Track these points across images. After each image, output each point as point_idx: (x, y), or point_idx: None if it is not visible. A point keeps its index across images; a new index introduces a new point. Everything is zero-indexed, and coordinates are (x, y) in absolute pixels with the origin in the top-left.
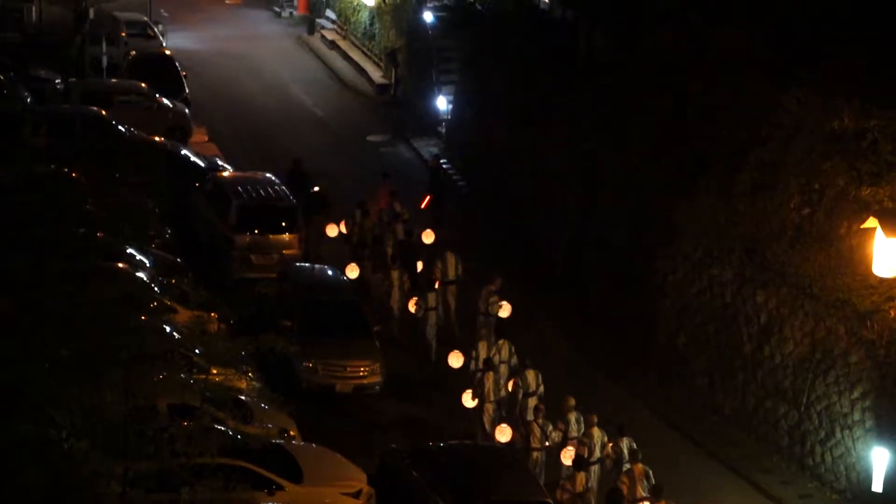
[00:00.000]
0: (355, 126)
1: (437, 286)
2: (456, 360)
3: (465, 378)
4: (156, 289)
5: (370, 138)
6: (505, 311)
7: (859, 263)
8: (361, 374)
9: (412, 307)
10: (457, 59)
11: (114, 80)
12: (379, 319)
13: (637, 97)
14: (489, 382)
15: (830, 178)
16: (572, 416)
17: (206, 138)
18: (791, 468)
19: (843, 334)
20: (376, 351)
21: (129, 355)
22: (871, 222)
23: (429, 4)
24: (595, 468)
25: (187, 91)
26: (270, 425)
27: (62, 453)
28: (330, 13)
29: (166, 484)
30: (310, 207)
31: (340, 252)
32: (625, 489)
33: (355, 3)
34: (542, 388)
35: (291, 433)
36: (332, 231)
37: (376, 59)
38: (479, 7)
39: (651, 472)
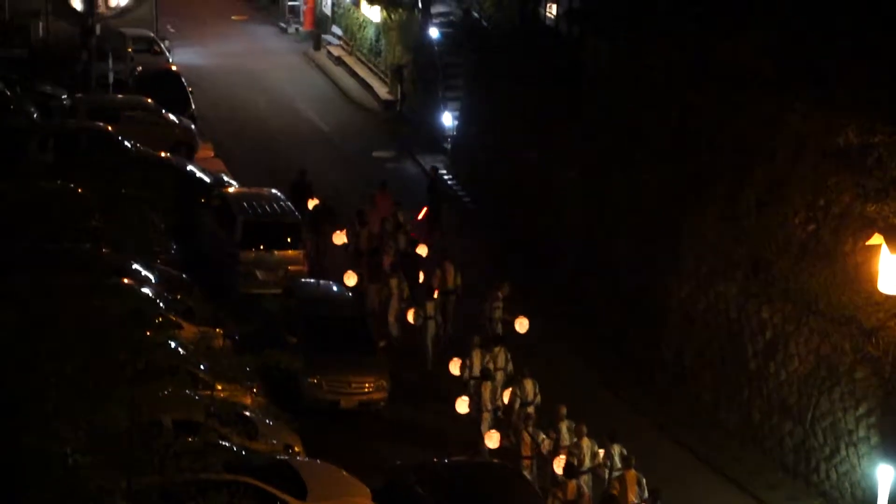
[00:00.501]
0: (361, 142)
1: (435, 295)
2: (455, 367)
3: (463, 386)
4: (161, 304)
5: (376, 154)
6: (522, 326)
7: (865, 280)
8: (366, 389)
9: (411, 317)
10: (462, 74)
11: (120, 96)
12: (381, 334)
13: (642, 113)
14: (486, 391)
15: (835, 195)
16: (564, 425)
17: (212, 154)
18: (796, 484)
19: (848, 351)
20: (381, 366)
21: (135, 371)
22: (877, 239)
23: (434, 21)
24: (586, 477)
25: (193, 107)
26: (275, 441)
27: (67, 468)
28: (336, 29)
29: (171, 500)
30: (317, 218)
31: (346, 263)
32: (615, 493)
33: (361, 20)
34: (538, 398)
35: (296, 449)
36: (338, 239)
37: (382, 75)
38: (485, 23)
39: (644, 479)
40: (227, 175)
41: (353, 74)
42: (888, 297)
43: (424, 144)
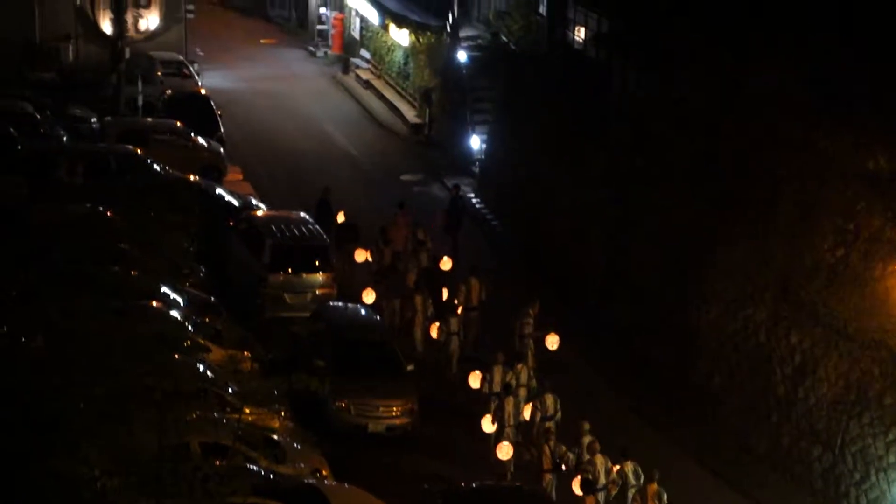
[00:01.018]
0: (389, 165)
1: (459, 311)
2: (476, 381)
3: (486, 402)
4: (189, 327)
5: (404, 177)
6: (553, 342)
7: (894, 305)
8: (394, 413)
9: (434, 332)
10: (490, 98)
11: (149, 119)
12: (410, 359)
13: (670, 136)
14: (509, 406)
15: (865, 219)
16: (586, 441)
17: (241, 177)
18: None
19: (877, 376)
20: (409, 390)
21: (162, 394)
22: None
23: (463, 44)
24: (602, 494)
25: (222, 130)
26: (303, 465)
27: (95, 491)
28: (364, 53)
29: None
30: (341, 237)
31: (370, 281)
32: None
33: (389, 43)
34: (559, 414)
35: (324, 473)
36: (360, 257)
37: (410, 99)
38: (513, 47)
39: (665, 494)
40: (255, 198)
41: (382, 97)
42: None
43: (452, 168)
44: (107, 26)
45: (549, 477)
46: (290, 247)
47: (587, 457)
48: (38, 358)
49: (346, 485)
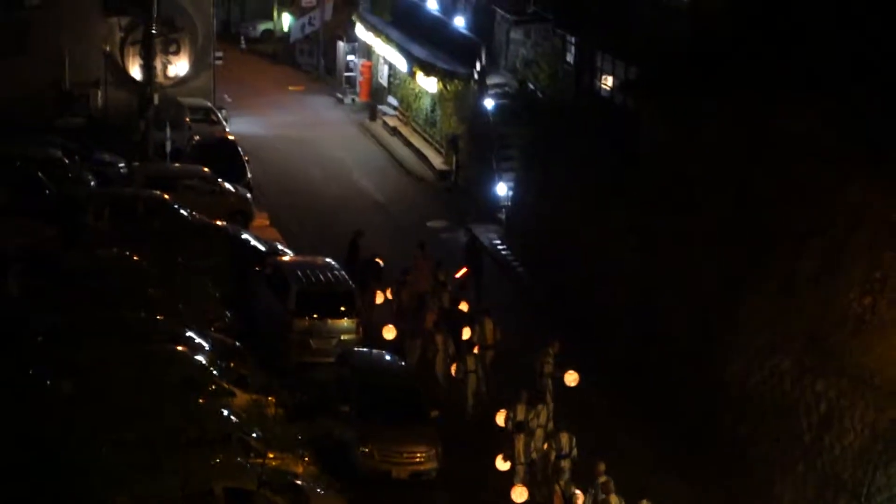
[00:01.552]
0: (415, 211)
1: (475, 350)
2: (501, 418)
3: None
4: (214, 372)
5: (430, 224)
6: (572, 379)
7: None
8: (418, 459)
9: (454, 371)
10: (517, 146)
11: (177, 165)
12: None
13: (698, 185)
14: (520, 444)
15: (893, 268)
16: (601, 480)
17: (268, 223)
18: None
19: None
20: (434, 436)
21: (187, 439)
22: None
23: (490, 92)
24: None
25: (250, 175)
26: None
27: None
28: (392, 100)
29: None
30: (365, 275)
31: (390, 320)
32: None
33: (417, 90)
34: (575, 452)
35: None
36: (379, 298)
37: (437, 146)
38: (540, 95)
39: None
40: (281, 244)
41: (409, 144)
42: None
43: (479, 215)
44: (136, 72)
45: None
46: (315, 292)
47: (602, 496)
48: (65, 403)
49: None
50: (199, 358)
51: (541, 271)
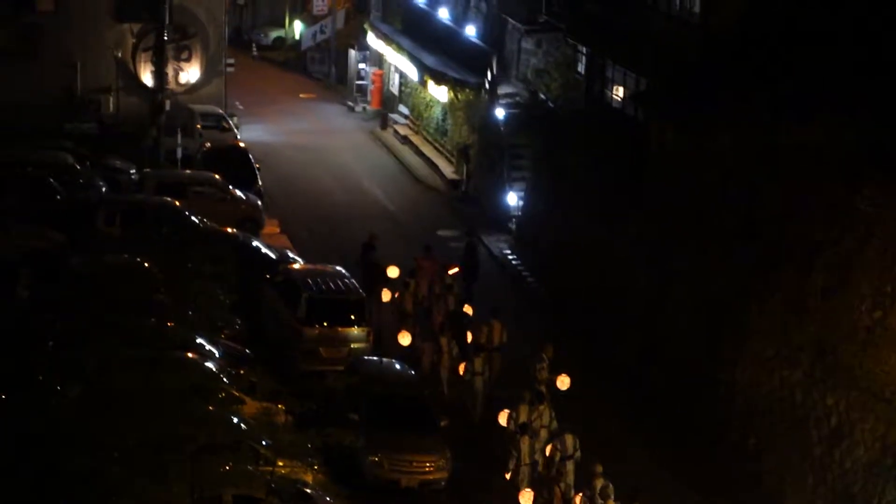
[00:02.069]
0: (426, 220)
1: (482, 351)
2: (503, 418)
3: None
4: (224, 379)
5: (440, 233)
6: (563, 383)
7: None
8: (427, 469)
9: (461, 372)
10: (528, 155)
11: (188, 171)
12: (443, 413)
13: (708, 195)
14: (524, 446)
15: None
16: (598, 483)
17: (278, 230)
18: None
19: None
20: (442, 446)
21: (196, 446)
22: None
23: (501, 101)
24: None
25: (260, 183)
26: None
27: None
28: (403, 108)
29: None
30: (371, 278)
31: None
32: None
33: (428, 99)
34: (578, 454)
35: None
36: (385, 296)
37: (448, 155)
38: (551, 105)
39: None
40: (292, 252)
41: (419, 153)
42: None
43: (489, 224)
44: (147, 78)
45: None
46: (325, 300)
47: (600, 501)
48: (73, 408)
49: None
50: (209, 365)
51: (551, 281)
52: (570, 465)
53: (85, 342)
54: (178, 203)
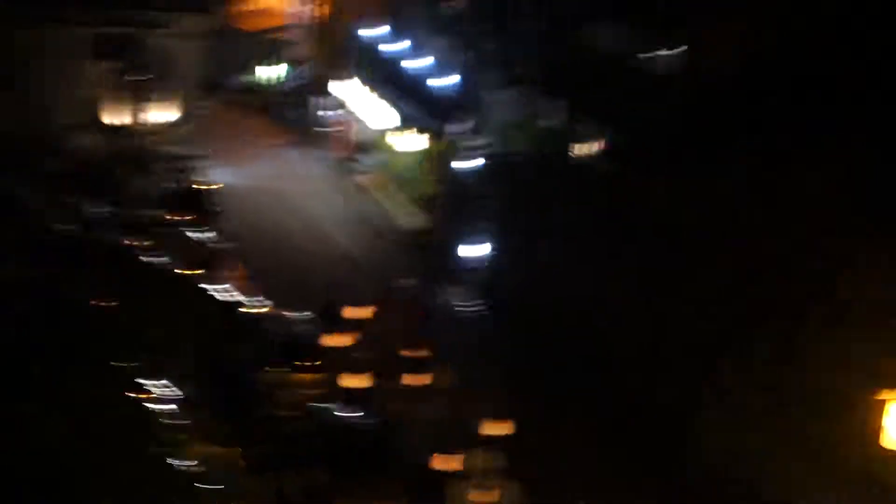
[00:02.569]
0: (390, 268)
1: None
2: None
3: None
4: (178, 423)
5: (403, 282)
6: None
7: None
8: None
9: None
10: (496, 207)
11: (154, 212)
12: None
13: (689, 247)
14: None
15: (853, 348)
16: None
17: (240, 273)
18: None
19: None
20: (401, 492)
21: (145, 489)
22: (887, 394)
23: (471, 152)
24: None
25: (225, 225)
26: None
27: None
28: (371, 156)
29: None
30: (326, 323)
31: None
32: None
33: (396, 148)
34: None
35: None
36: (345, 340)
37: (414, 204)
38: (522, 158)
39: None
40: (252, 295)
41: (385, 202)
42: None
43: (453, 275)
44: (120, 118)
45: None
46: (285, 345)
47: None
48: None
49: None
50: (162, 408)
51: (516, 331)
52: None
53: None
54: (141, 243)
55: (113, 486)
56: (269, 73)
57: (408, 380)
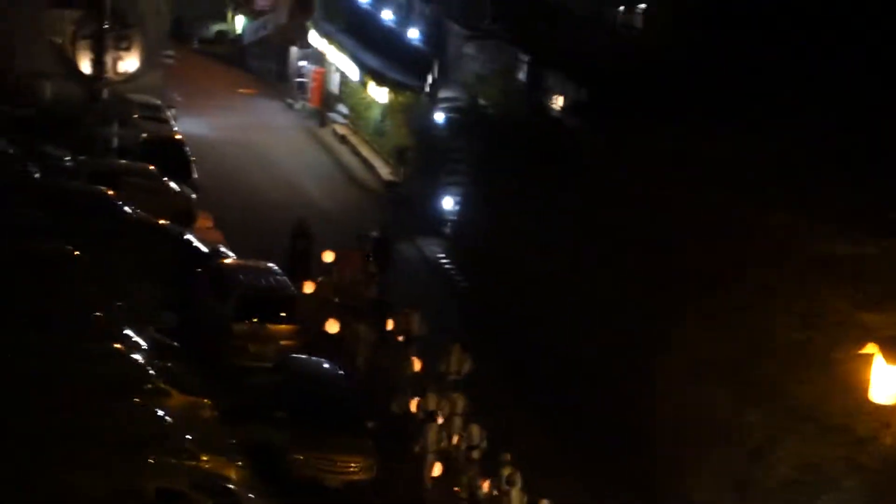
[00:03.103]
0: (360, 221)
1: (399, 340)
2: (413, 406)
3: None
4: (151, 371)
5: (373, 234)
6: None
7: (856, 389)
8: (351, 469)
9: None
10: (465, 160)
11: (122, 161)
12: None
13: (632, 207)
14: (431, 433)
15: (830, 303)
16: (506, 471)
17: (212, 224)
18: None
19: (838, 459)
20: (369, 447)
21: (117, 436)
22: (871, 348)
23: (440, 105)
24: None
25: (195, 176)
26: None
27: None
28: (342, 108)
29: None
30: (294, 264)
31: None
32: None
33: (368, 100)
34: (485, 443)
35: None
36: (308, 288)
37: (385, 156)
38: (490, 111)
39: None
40: (224, 246)
41: (357, 153)
42: (879, 407)
43: (423, 227)
44: (86, 66)
45: None
46: (256, 296)
47: (505, 487)
48: None
49: None
50: (135, 356)
51: (481, 285)
52: (475, 454)
53: (7, 330)
54: (110, 192)
55: (87, 433)
56: (239, 21)
57: (372, 328)
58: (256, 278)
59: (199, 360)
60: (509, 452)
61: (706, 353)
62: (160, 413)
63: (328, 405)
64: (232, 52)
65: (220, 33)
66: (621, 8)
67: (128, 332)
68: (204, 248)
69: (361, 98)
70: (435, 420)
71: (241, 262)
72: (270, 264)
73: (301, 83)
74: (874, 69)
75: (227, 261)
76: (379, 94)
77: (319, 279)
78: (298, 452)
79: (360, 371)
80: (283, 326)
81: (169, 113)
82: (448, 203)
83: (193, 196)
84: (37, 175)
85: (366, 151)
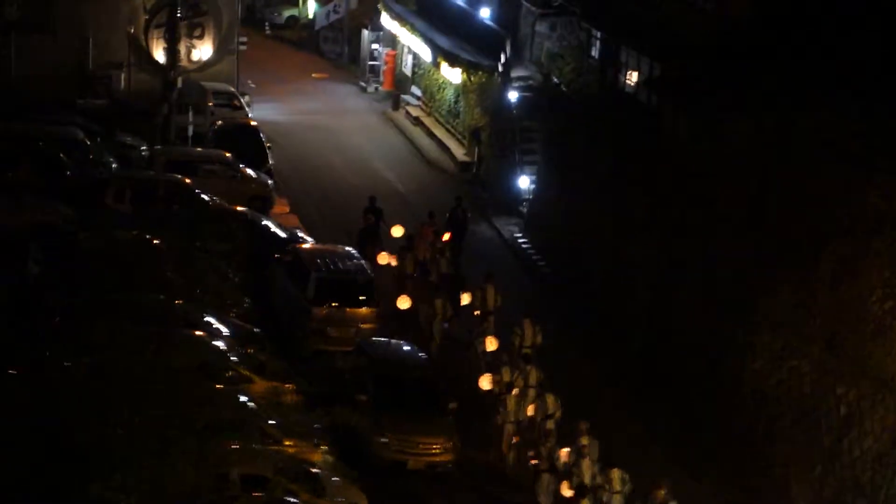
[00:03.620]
0: (436, 202)
1: (476, 314)
2: (487, 382)
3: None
4: (232, 358)
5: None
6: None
7: None
8: (434, 451)
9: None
10: (540, 139)
11: (199, 149)
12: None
13: (719, 182)
14: (510, 404)
15: None
16: (584, 441)
17: (288, 209)
18: None
19: None
20: (451, 428)
21: (203, 423)
22: None
23: (514, 84)
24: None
25: (271, 162)
26: (342, 500)
27: None
28: (415, 90)
29: None
30: (363, 240)
31: (392, 285)
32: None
33: (441, 81)
34: (559, 413)
35: None
36: (382, 260)
37: (460, 137)
38: (564, 89)
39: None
40: (301, 231)
41: (431, 135)
42: None
43: (500, 207)
44: (160, 55)
45: (546, 477)
46: (334, 280)
47: (574, 458)
48: (81, 382)
49: None
50: (217, 343)
51: (561, 265)
52: (550, 424)
53: (92, 317)
54: (188, 181)
55: (174, 422)
56: (310, 6)
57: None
58: (334, 262)
59: (279, 345)
60: (585, 422)
61: (795, 324)
62: (243, 399)
63: (410, 388)
64: (304, 37)
65: (292, 18)
66: None
67: (208, 318)
68: (282, 234)
69: (434, 79)
70: (511, 392)
71: (319, 246)
72: (348, 248)
73: (373, 66)
74: None
75: (304, 246)
76: (452, 75)
77: (399, 253)
78: (382, 435)
79: (435, 344)
80: (362, 310)
81: (243, 100)
82: (524, 183)
83: (269, 182)
84: (114, 165)
85: (440, 133)
